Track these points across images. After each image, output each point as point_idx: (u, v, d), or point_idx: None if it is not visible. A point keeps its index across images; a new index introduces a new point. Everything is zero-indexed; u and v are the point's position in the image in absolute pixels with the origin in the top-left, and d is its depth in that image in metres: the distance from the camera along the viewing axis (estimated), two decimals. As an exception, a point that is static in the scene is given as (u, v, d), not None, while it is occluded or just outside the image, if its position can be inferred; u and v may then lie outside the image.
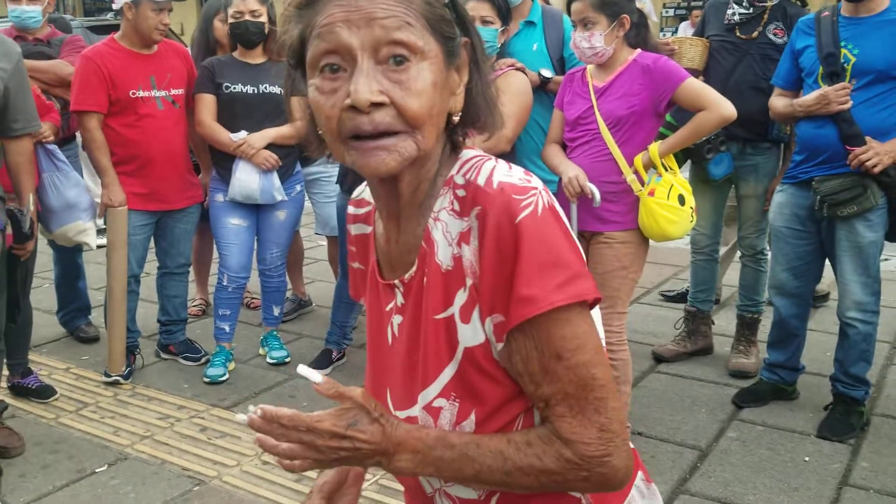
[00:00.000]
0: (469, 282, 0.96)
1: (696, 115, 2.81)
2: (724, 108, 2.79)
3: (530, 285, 0.90)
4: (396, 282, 1.06)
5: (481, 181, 0.96)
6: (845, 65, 3.00)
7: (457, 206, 0.98)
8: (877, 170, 2.92)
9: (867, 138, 2.94)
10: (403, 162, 0.94)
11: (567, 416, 0.94)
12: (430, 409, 1.01)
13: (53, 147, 3.40)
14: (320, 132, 1.00)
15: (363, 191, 1.18)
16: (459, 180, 0.99)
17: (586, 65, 2.96)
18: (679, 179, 2.88)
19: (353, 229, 1.19)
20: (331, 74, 0.93)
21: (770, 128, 3.56)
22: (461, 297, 0.97)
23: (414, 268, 1.03)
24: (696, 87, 2.82)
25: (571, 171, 2.84)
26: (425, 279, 1.00)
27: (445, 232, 0.98)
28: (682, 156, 3.58)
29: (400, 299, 1.06)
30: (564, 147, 3.00)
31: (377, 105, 0.90)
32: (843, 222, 3.05)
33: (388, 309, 1.09)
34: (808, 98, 3.05)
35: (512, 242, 0.91)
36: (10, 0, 3.94)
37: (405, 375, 1.05)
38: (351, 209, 1.20)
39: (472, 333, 0.97)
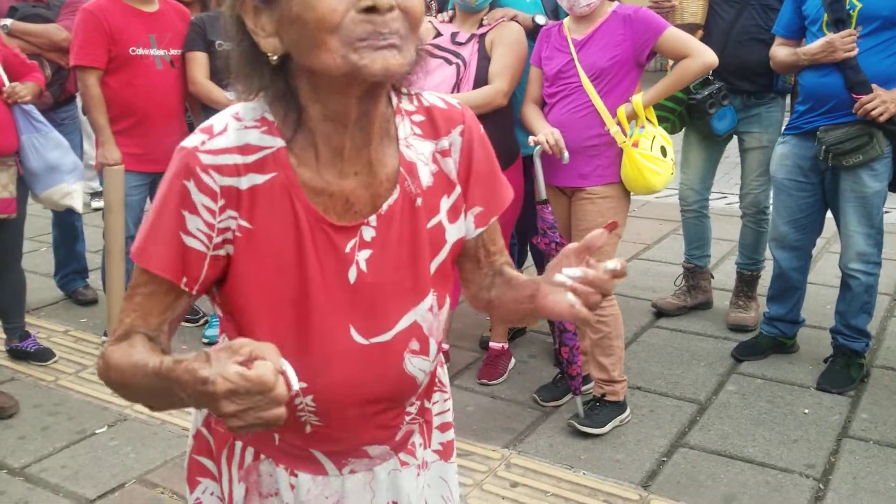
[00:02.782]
0: (458, 189, 1.15)
1: (680, 63, 2.79)
2: (706, 54, 2.80)
3: (503, 177, 1.22)
4: (370, 219, 1.07)
5: (439, 103, 1.15)
6: (851, 11, 2.93)
7: (418, 131, 1.12)
8: (883, 118, 2.87)
9: (873, 86, 2.89)
10: (406, 65, 0.95)
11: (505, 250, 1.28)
12: (430, 311, 1.14)
13: (30, 107, 3.30)
14: (274, 56, 0.97)
15: (237, 134, 1.02)
16: (409, 107, 1.12)
17: (566, 17, 2.89)
18: (660, 131, 2.85)
19: (243, 183, 1.02)
20: None
21: (776, 79, 3.50)
22: (446, 203, 1.14)
23: (396, 194, 1.08)
24: (678, 35, 2.81)
25: (548, 127, 2.81)
26: (420, 199, 1.10)
27: (419, 154, 1.11)
28: (685, 113, 3.53)
29: (370, 234, 1.08)
30: (542, 105, 2.95)
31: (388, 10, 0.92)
32: (848, 172, 3.01)
33: (347, 251, 1.07)
34: (813, 46, 2.98)
35: (486, 148, 1.18)
36: None
37: (384, 301, 1.10)
38: (230, 158, 1.01)
39: (457, 230, 1.16)
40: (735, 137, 3.68)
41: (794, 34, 3.17)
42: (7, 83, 3.19)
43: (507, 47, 2.97)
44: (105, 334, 3.71)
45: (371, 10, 0.90)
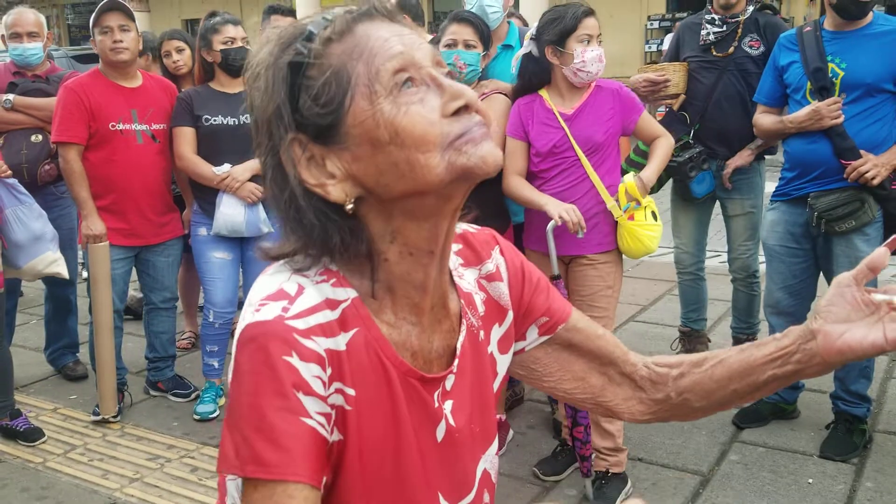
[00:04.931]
0: (510, 315, 1.04)
1: (661, 142, 2.93)
2: (670, 134, 2.99)
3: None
4: (454, 364, 0.95)
5: (468, 227, 1.06)
6: (833, 79, 2.98)
7: (461, 260, 1.02)
8: (875, 181, 2.89)
9: (861, 151, 2.92)
10: None
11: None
12: (496, 454, 1.04)
13: (14, 181, 3.33)
14: (350, 203, 0.84)
15: (317, 289, 0.87)
16: None
17: (542, 89, 2.90)
18: (648, 199, 2.90)
19: (340, 343, 0.86)
20: (408, 90, 0.83)
21: None
22: (497, 332, 1.03)
23: (464, 332, 0.97)
24: (650, 117, 2.97)
25: (561, 204, 2.77)
26: (482, 332, 1.00)
27: (469, 284, 1.01)
28: (664, 175, 3.56)
29: (451, 381, 0.95)
30: (526, 178, 2.94)
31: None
32: (841, 238, 3.01)
33: (436, 405, 0.94)
34: (800, 114, 3.02)
35: (522, 260, 1.09)
36: (11, 38, 3.92)
37: (463, 456, 0.98)
38: (323, 317, 0.85)
39: (505, 361, 1.05)
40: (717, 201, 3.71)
41: (777, 102, 3.21)
42: None
43: (496, 120, 3.00)
44: (94, 413, 3.64)
45: (460, 110, 0.84)
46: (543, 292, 1.07)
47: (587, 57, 2.73)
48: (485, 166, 0.83)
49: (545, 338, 1.07)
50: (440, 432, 0.94)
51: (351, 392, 0.86)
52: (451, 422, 0.94)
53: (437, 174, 0.82)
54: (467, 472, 0.98)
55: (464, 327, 0.97)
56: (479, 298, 1.01)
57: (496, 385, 1.04)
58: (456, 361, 0.95)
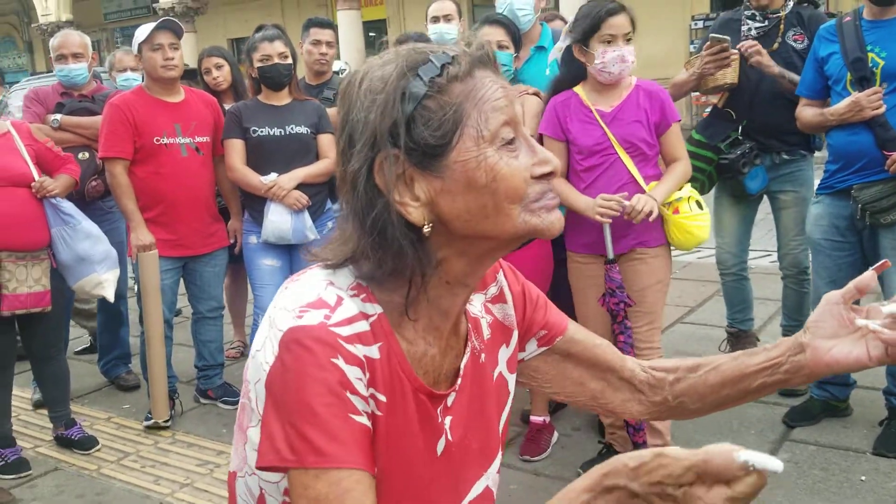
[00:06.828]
0: (515, 334, 1.11)
1: (680, 166, 2.86)
2: (689, 163, 2.91)
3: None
4: (457, 383, 1.02)
5: None
6: (874, 69, 2.92)
7: None
8: None
9: (904, 141, 2.85)
10: None
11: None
12: (498, 472, 1.09)
13: (58, 200, 3.38)
14: (427, 227, 0.90)
15: (353, 302, 0.92)
16: None
17: (577, 86, 2.88)
18: (689, 188, 2.88)
19: (374, 351, 0.92)
20: (508, 145, 0.90)
21: (812, 137, 3.48)
22: (505, 353, 1.10)
23: (468, 354, 1.04)
24: (679, 134, 2.89)
25: (590, 200, 2.76)
26: (483, 355, 1.06)
27: (477, 309, 1.08)
28: (715, 173, 3.51)
29: (452, 398, 1.01)
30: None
31: None
32: (887, 230, 2.95)
33: (439, 420, 0.99)
34: (840, 106, 2.96)
35: (523, 281, 1.16)
36: (57, 60, 4.08)
37: (462, 470, 1.03)
38: (359, 326, 0.91)
39: (514, 379, 1.13)
40: (765, 197, 3.64)
41: (819, 94, 3.16)
42: (37, 178, 3.30)
43: (528, 119, 3.01)
44: (147, 419, 3.74)
45: (543, 175, 0.92)
46: (542, 308, 1.15)
47: (607, 58, 2.72)
48: (551, 232, 0.92)
49: (544, 349, 1.15)
50: (440, 446, 1.00)
51: (382, 398, 0.92)
52: (450, 436, 1.01)
53: (514, 225, 0.90)
54: (463, 484, 1.04)
55: (468, 349, 1.04)
56: (485, 322, 1.09)
57: (510, 403, 1.12)
58: (459, 381, 1.02)
